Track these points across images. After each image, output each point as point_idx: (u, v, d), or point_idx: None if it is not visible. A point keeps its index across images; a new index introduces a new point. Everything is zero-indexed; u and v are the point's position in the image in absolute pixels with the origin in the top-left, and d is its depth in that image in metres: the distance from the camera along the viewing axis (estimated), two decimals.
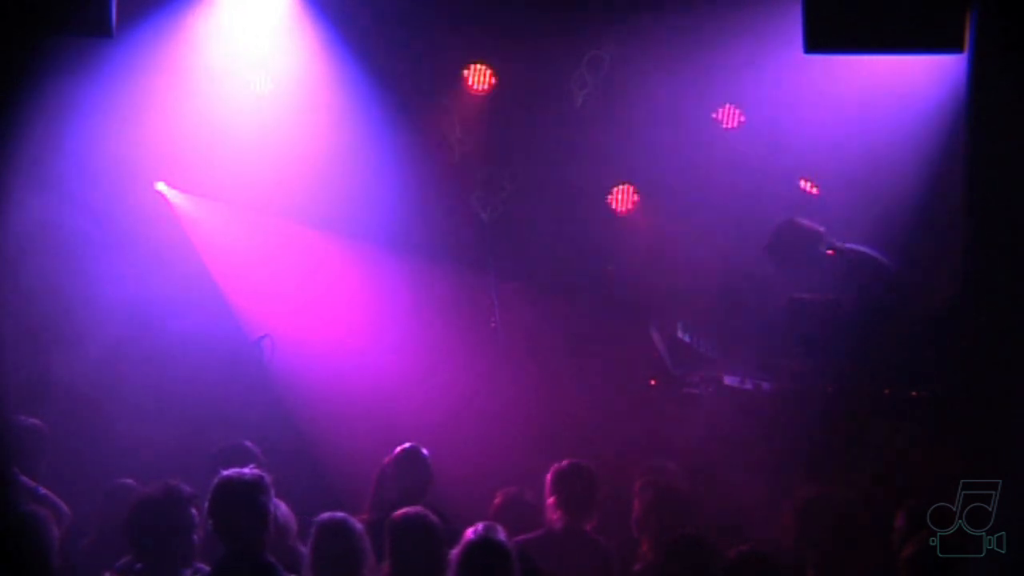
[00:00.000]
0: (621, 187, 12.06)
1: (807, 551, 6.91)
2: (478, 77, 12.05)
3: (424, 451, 8.17)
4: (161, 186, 11.70)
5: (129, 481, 7.78)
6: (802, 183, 11.78)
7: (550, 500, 7.66)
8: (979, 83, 8.40)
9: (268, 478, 6.60)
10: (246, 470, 6.62)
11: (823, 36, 8.29)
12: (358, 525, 6.90)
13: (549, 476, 7.72)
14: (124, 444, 9.68)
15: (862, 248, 10.24)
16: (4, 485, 7.25)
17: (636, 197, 12.08)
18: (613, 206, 12.07)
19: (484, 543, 6.43)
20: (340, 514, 6.91)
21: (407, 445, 8.17)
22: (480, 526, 6.58)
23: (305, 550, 6.88)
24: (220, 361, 10.69)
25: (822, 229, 10.22)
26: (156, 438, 9.69)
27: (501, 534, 6.53)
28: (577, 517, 7.60)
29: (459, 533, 6.79)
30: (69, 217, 10.90)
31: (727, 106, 11.70)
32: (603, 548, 7.60)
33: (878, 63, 10.53)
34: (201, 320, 10.94)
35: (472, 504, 8.41)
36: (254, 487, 6.50)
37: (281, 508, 7.16)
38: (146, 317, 10.75)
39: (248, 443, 8.50)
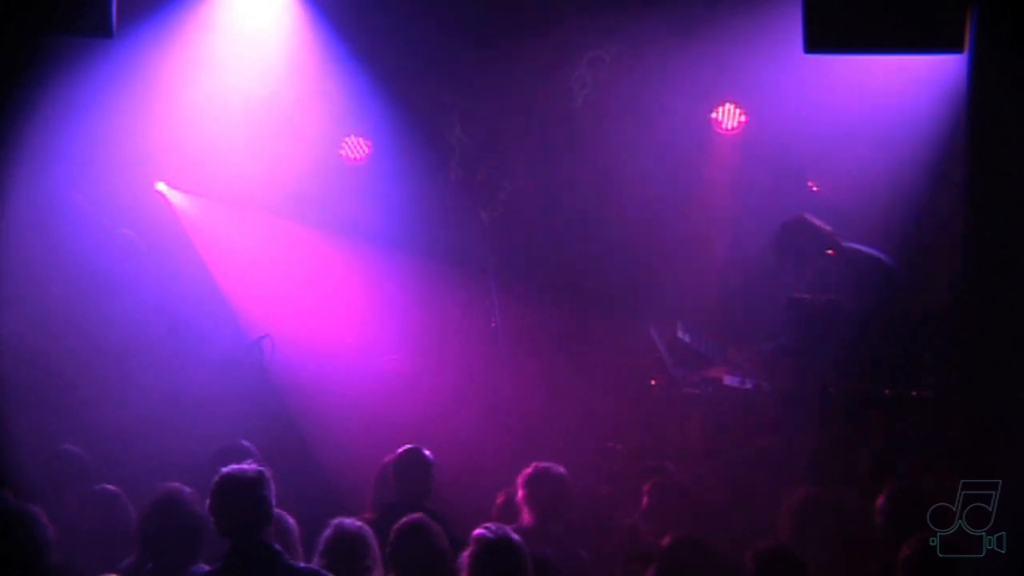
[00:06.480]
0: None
1: (804, 551, 6.90)
2: (479, 76, 12.04)
3: (426, 452, 8.14)
4: (161, 186, 11.71)
5: (109, 487, 7.72)
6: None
7: (519, 496, 7.62)
8: (979, 83, 8.39)
9: (268, 472, 6.62)
10: (246, 466, 6.65)
11: (823, 36, 8.29)
12: (368, 530, 6.93)
13: (519, 480, 7.68)
14: (124, 445, 9.67)
15: (866, 248, 10.21)
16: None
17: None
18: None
19: (500, 543, 6.40)
20: (352, 520, 6.94)
21: (408, 446, 8.15)
22: (492, 526, 6.57)
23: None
24: (220, 361, 10.69)
25: (829, 229, 10.19)
26: (156, 438, 9.69)
27: (515, 535, 6.51)
28: (544, 520, 7.56)
29: (460, 536, 6.79)
30: (68, 217, 10.91)
31: (727, 105, 11.70)
32: (573, 552, 7.56)
33: (878, 63, 10.54)
34: (201, 320, 10.94)
35: (473, 504, 8.41)
36: (256, 482, 6.52)
37: None
38: (146, 317, 10.75)
39: (248, 443, 8.52)
